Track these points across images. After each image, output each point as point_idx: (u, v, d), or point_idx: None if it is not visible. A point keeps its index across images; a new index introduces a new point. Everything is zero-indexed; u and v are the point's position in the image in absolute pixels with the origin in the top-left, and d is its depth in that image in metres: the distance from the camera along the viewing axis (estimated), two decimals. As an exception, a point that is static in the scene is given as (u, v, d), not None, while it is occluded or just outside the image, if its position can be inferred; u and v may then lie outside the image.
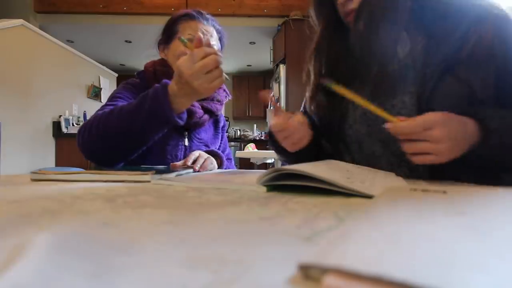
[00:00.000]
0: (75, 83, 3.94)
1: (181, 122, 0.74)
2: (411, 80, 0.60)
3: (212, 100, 1.00)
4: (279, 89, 3.67)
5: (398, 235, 0.19)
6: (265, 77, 6.18)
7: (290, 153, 0.68)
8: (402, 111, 0.60)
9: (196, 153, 0.81)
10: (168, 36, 0.94)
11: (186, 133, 0.95)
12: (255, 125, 5.82)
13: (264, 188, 0.43)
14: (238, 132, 5.66)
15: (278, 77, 3.71)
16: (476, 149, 0.48)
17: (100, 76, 4.46)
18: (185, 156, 0.89)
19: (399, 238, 0.19)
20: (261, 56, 5.17)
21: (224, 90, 1.07)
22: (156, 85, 0.71)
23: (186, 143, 0.94)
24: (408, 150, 0.48)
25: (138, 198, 0.38)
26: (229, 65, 5.94)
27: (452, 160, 0.47)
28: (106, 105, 0.85)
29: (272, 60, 4.15)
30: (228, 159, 1.06)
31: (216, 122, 1.08)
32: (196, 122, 0.92)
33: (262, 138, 5.39)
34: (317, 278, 0.14)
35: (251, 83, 6.35)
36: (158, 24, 1.02)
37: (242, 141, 5.21)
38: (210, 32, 0.93)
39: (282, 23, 3.71)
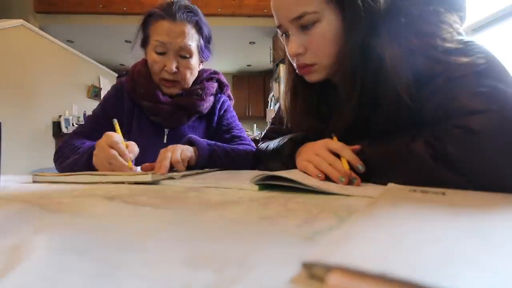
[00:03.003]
0: (75, 83, 3.94)
1: None
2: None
3: (189, 95, 0.91)
4: (279, 89, 3.67)
5: (399, 234, 0.19)
6: (265, 77, 6.17)
7: None
8: None
9: (167, 155, 0.65)
10: (144, 40, 0.89)
11: (166, 130, 0.91)
12: (255, 125, 5.83)
13: (256, 187, 0.44)
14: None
15: (278, 77, 3.71)
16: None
17: (100, 76, 4.46)
18: None
19: (401, 237, 0.19)
20: (261, 56, 5.17)
21: (217, 80, 0.98)
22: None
23: (165, 140, 0.90)
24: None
25: (138, 198, 0.38)
26: (229, 65, 5.94)
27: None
28: (81, 126, 0.92)
29: (272, 60, 4.15)
30: (238, 137, 0.95)
31: (208, 123, 0.98)
32: (166, 119, 0.87)
33: (262, 138, 5.39)
34: (321, 276, 0.14)
35: (251, 83, 6.35)
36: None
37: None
38: (180, 30, 0.82)
39: (282, 23, 3.70)
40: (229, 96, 1.05)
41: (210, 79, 0.97)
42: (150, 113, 0.89)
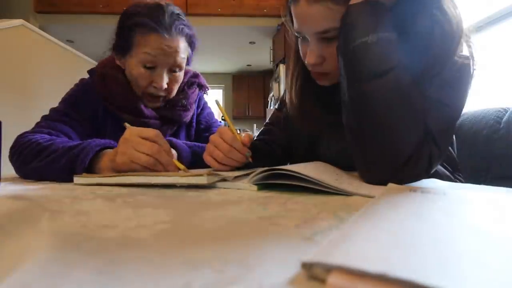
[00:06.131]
0: (75, 83, 3.94)
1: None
2: None
3: (173, 106, 0.85)
4: (279, 89, 3.67)
5: (400, 235, 0.19)
6: (265, 77, 6.18)
7: None
8: None
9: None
10: (123, 47, 0.78)
11: None
12: (255, 125, 5.83)
13: (255, 187, 0.43)
14: (238, 132, 5.66)
15: (278, 77, 3.71)
16: None
17: (100, 76, 4.46)
18: None
19: (401, 237, 0.19)
20: (261, 56, 5.17)
21: (197, 84, 0.92)
22: (80, 147, 0.60)
23: None
24: None
25: (138, 198, 0.38)
26: (229, 65, 5.94)
27: None
28: (47, 119, 0.83)
29: (272, 60, 4.16)
30: None
31: (188, 128, 0.94)
32: None
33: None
34: (320, 277, 0.14)
35: (251, 83, 6.35)
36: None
37: (242, 141, 5.20)
38: (175, 47, 0.76)
39: (282, 23, 3.70)
40: (205, 86, 0.99)
41: (191, 84, 0.92)
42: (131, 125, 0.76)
